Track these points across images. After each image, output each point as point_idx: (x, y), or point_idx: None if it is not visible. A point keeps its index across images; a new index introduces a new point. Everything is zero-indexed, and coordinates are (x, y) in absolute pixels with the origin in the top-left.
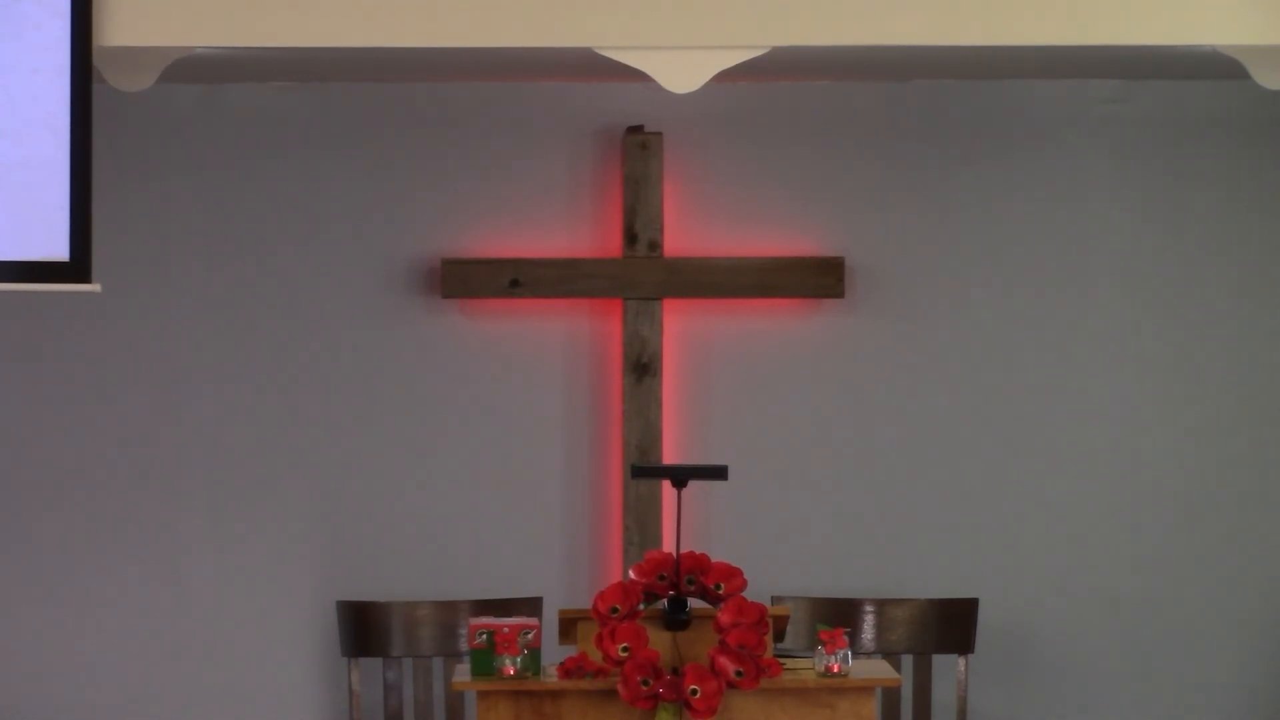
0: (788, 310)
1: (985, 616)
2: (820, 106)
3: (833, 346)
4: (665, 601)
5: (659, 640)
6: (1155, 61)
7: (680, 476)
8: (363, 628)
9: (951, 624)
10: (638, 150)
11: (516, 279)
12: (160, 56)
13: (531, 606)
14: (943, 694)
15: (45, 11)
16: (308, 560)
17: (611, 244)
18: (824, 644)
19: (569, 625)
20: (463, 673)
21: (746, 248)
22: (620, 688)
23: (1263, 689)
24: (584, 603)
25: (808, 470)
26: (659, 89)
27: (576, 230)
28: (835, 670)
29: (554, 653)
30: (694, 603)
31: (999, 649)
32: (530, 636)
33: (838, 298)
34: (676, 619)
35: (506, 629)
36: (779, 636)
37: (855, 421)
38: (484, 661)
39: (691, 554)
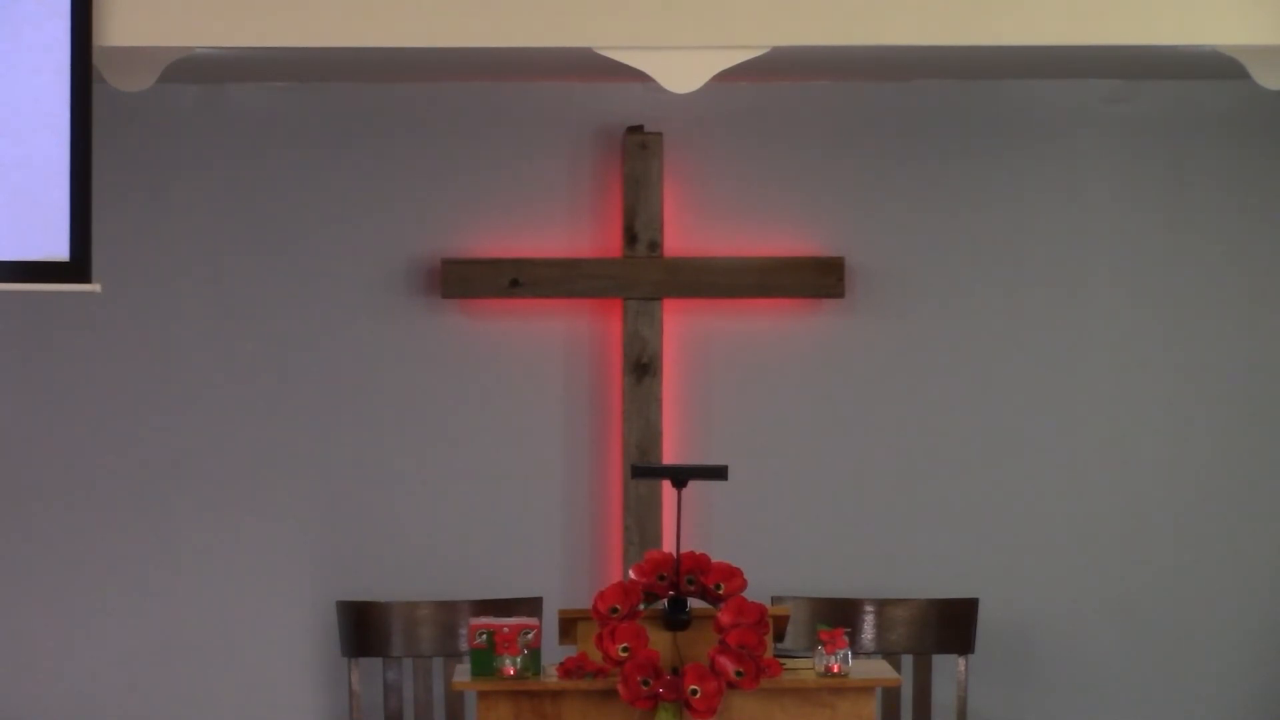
0: (788, 310)
1: (985, 616)
2: (820, 106)
3: (833, 346)
4: (665, 601)
5: (659, 640)
6: (1155, 61)
7: (680, 476)
8: (363, 628)
9: (951, 624)
10: (638, 150)
11: (516, 279)
12: (160, 56)
13: (531, 606)
14: (943, 694)
15: (45, 11)
16: (308, 560)
17: (611, 244)
18: (824, 644)
19: (569, 625)
20: (463, 673)
21: (746, 248)
22: (620, 688)
23: (1263, 689)
24: (584, 603)
25: (807, 470)
26: (659, 89)
27: (576, 230)
28: (835, 670)
29: (554, 653)
30: (694, 603)
31: (999, 649)
32: (530, 636)
33: (838, 298)
34: (676, 619)
35: (506, 629)
36: (779, 636)
37: (855, 421)
38: (484, 661)
39: (691, 554)
